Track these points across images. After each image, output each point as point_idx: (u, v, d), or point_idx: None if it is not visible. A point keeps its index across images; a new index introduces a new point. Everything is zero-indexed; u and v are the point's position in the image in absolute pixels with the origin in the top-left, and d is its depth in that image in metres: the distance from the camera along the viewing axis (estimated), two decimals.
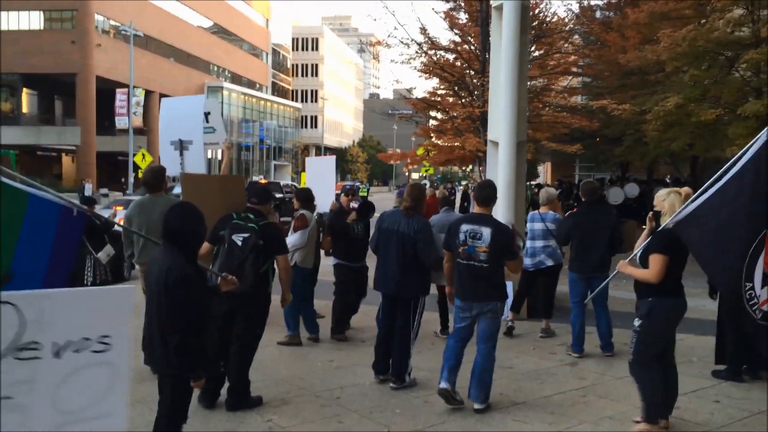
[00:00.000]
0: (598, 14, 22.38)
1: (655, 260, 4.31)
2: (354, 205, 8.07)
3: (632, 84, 17.78)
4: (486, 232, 4.83)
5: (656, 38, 14.07)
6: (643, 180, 23.22)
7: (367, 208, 7.40)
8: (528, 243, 7.16)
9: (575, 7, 22.12)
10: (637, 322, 4.47)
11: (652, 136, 14.72)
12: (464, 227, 4.95)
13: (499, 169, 8.56)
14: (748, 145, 3.97)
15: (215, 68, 56.81)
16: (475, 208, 5.19)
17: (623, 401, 5.18)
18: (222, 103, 53.39)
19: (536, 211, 7.44)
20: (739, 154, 3.99)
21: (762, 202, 3.87)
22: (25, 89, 43.96)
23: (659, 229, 4.39)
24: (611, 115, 16.53)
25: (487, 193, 5.07)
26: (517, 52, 8.60)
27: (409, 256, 5.42)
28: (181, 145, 8.05)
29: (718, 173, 4.10)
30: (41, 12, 41.08)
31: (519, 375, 5.92)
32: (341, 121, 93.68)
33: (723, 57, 13.64)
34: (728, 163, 4.07)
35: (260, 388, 5.44)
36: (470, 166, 21.89)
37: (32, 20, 41.14)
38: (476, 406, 4.93)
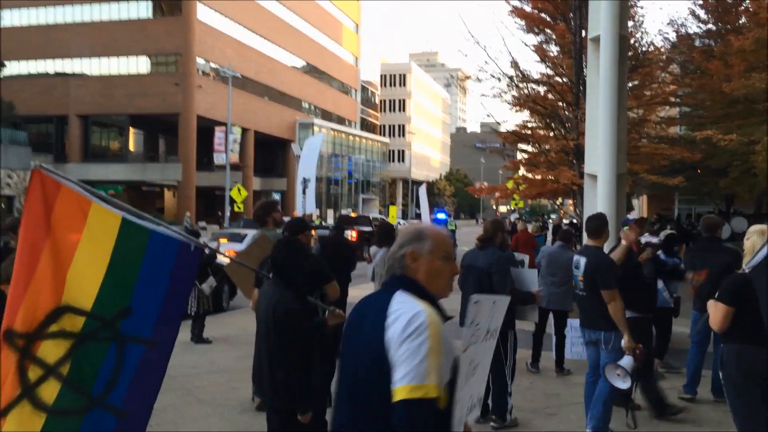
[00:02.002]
0: (697, 42, 21.60)
1: (716, 309, 3.90)
2: None
3: (737, 113, 16.92)
4: (582, 261, 4.94)
5: (763, 65, 13.39)
6: (750, 214, 21.91)
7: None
8: None
9: (672, 36, 21.34)
10: (721, 374, 4.08)
11: (762, 168, 13.90)
12: (575, 257, 5.16)
13: (598, 202, 8.32)
14: None
15: (307, 105, 58.71)
16: (587, 240, 5.20)
17: None
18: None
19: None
20: None
21: None
22: (131, 129, 46.94)
23: (735, 273, 3.98)
24: (715, 146, 15.77)
25: (593, 224, 5.14)
26: (615, 83, 8.40)
27: (485, 290, 5.35)
28: (304, 184, 8.33)
29: None
30: (148, 57, 43.97)
31: (640, 418, 5.56)
32: (428, 155, 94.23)
33: None
34: None
35: None
36: (560, 200, 21.40)
37: (140, 65, 44.09)
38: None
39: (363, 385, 2.00)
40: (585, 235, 5.40)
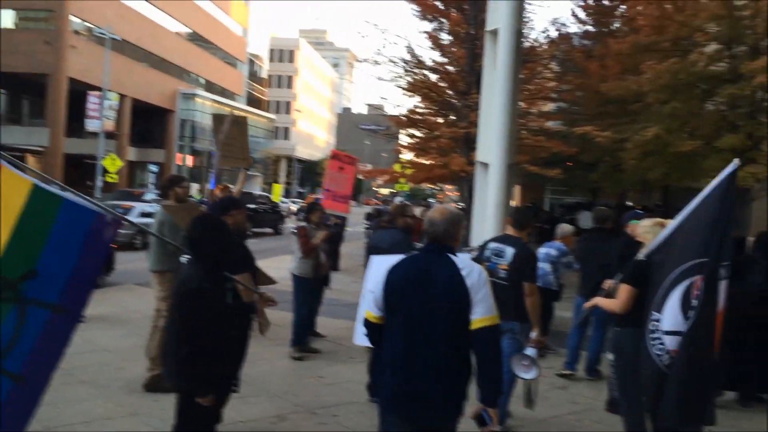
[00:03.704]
0: (576, 42, 22.86)
1: (621, 290, 4.24)
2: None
3: (610, 112, 18.15)
4: (509, 251, 4.93)
5: (637, 69, 14.41)
6: (612, 206, 23.64)
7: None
8: None
9: (554, 34, 22.47)
10: (610, 357, 4.43)
11: (629, 164, 15.02)
12: (491, 245, 5.09)
13: (489, 190, 8.66)
14: (715, 180, 3.75)
15: (190, 75, 56.30)
16: (507, 229, 5.22)
17: (618, 427, 5.23)
18: (194, 110, 52.94)
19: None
20: (707, 187, 3.78)
21: (699, 235, 3.65)
22: None
23: (634, 259, 4.34)
24: (588, 141, 16.83)
25: (522, 216, 5.24)
26: (511, 75, 8.75)
27: None
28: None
29: (687, 206, 3.92)
30: (15, 11, 40.26)
31: (513, 398, 5.92)
32: (313, 133, 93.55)
33: (700, 90, 14.01)
34: (697, 196, 3.87)
35: (255, 404, 5.37)
36: (439, 186, 22.00)
37: (5, 19, 40.29)
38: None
39: (445, 321, 2.83)
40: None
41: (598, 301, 4.53)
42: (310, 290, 7.19)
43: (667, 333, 3.69)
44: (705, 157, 13.42)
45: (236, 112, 8.38)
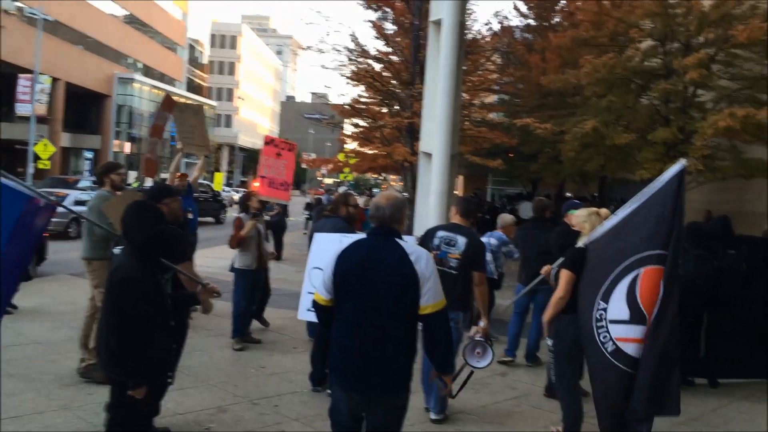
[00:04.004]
0: (517, 35, 23.23)
1: (562, 276, 4.36)
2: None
3: (550, 104, 18.53)
4: (462, 240, 4.92)
5: (576, 63, 14.75)
6: (552, 196, 24.22)
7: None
8: None
9: (496, 27, 22.76)
10: (549, 342, 4.52)
11: (568, 156, 15.38)
12: (440, 233, 5.04)
13: (433, 180, 8.71)
14: (662, 176, 3.84)
15: (127, 59, 54.55)
16: (454, 218, 5.21)
17: (556, 412, 5.37)
18: (132, 96, 51.37)
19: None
20: (653, 183, 3.87)
21: (646, 230, 3.76)
22: None
23: (574, 246, 4.45)
24: (529, 133, 17.15)
25: (468, 206, 5.24)
26: (454, 66, 8.79)
27: None
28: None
29: (632, 199, 3.97)
30: None
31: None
32: (256, 121, 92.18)
33: (635, 85, 14.46)
34: (642, 191, 3.94)
35: (194, 395, 5.28)
36: (383, 175, 22.07)
37: None
38: (433, 416, 4.99)
39: (394, 302, 2.93)
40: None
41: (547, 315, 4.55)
42: (252, 282, 7.06)
43: (612, 322, 3.81)
44: (639, 150, 13.88)
45: (176, 98, 8.51)
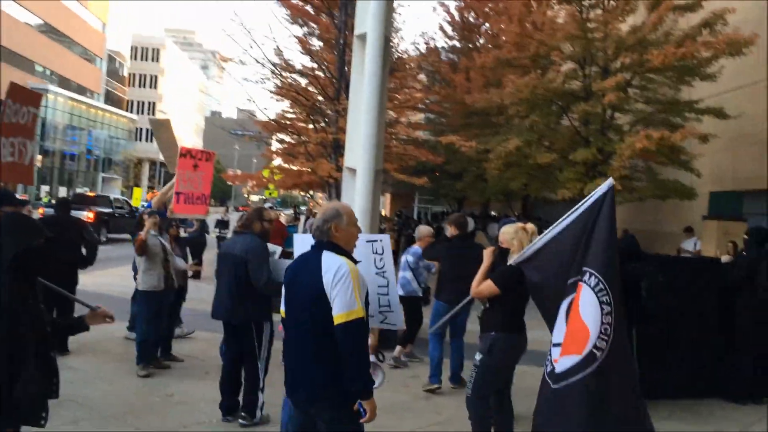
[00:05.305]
0: (444, 57, 23.53)
1: (488, 284, 4.26)
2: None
3: (474, 124, 18.76)
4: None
5: (500, 82, 14.96)
6: (477, 215, 24.51)
7: None
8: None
9: (422, 47, 22.97)
10: (478, 357, 4.40)
11: (492, 174, 15.52)
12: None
13: (356, 196, 8.44)
14: (591, 194, 3.77)
15: (42, 69, 52.06)
16: None
17: None
18: (47, 107, 49.01)
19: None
20: (582, 201, 3.80)
21: (573, 252, 3.66)
22: None
23: (507, 264, 4.29)
24: (454, 151, 17.25)
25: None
26: (379, 81, 8.55)
27: (241, 279, 5.10)
28: None
29: (561, 219, 3.89)
30: None
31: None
32: (180, 136, 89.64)
33: (557, 106, 14.77)
34: (572, 210, 3.86)
35: (89, 428, 4.78)
36: (311, 192, 21.74)
37: None
38: None
39: (308, 315, 2.96)
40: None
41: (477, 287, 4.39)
42: (159, 304, 6.54)
43: (554, 345, 3.64)
44: (561, 170, 14.15)
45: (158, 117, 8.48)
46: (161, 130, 8.43)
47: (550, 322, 3.74)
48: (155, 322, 6.50)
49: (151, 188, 70.58)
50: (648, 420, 3.51)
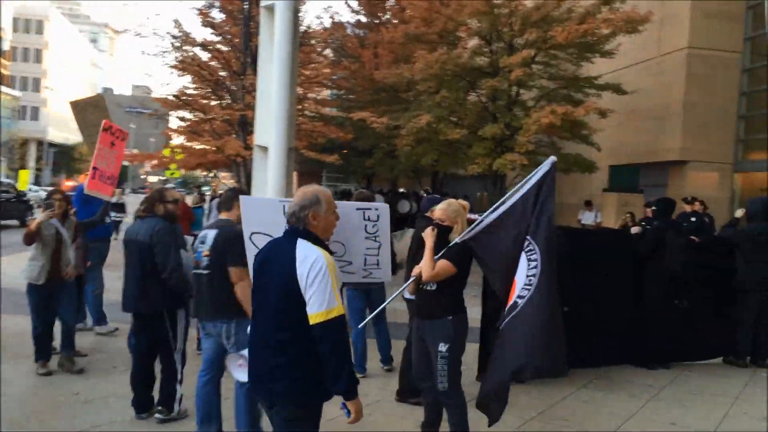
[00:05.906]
0: (349, 31, 23.20)
1: (441, 264, 4.10)
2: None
3: (383, 100, 18.65)
4: (211, 234, 4.37)
5: (409, 58, 14.89)
6: (386, 192, 24.53)
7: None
8: None
9: (327, 22, 22.55)
10: (443, 347, 4.15)
11: (403, 151, 15.51)
12: (201, 233, 4.54)
13: (270, 175, 8.11)
14: (535, 171, 3.93)
15: None
16: (222, 214, 4.64)
17: (409, 417, 5.12)
18: None
19: None
20: (528, 177, 3.95)
21: (527, 222, 3.85)
22: None
23: (454, 242, 4.18)
24: (364, 128, 17.10)
25: (224, 197, 4.76)
26: (290, 54, 8.20)
27: (147, 265, 4.78)
28: None
29: (507, 195, 4.05)
30: None
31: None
32: (69, 115, 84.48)
33: (465, 82, 14.89)
34: (517, 186, 4.03)
35: None
36: (213, 172, 21.01)
37: None
38: None
39: (282, 309, 2.75)
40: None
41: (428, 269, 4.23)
42: (46, 297, 5.98)
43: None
44: (470, 146, 14.32)
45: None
46: (88, 110, 7.68)
47: (507, 287, 3.92)
48: (44, 315, 5.98)
49: (38, 170, 66.28)
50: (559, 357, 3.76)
